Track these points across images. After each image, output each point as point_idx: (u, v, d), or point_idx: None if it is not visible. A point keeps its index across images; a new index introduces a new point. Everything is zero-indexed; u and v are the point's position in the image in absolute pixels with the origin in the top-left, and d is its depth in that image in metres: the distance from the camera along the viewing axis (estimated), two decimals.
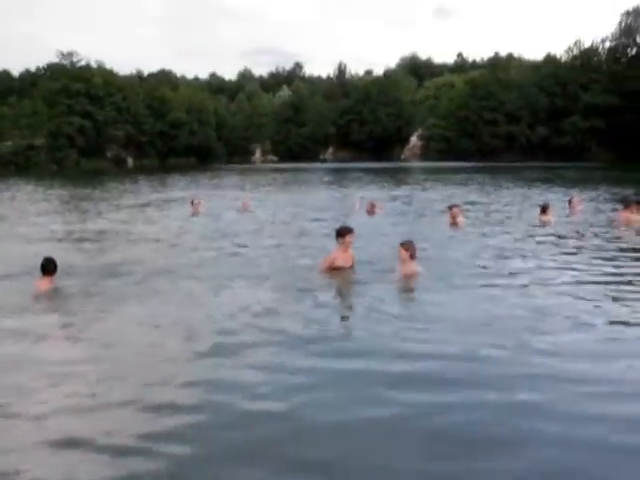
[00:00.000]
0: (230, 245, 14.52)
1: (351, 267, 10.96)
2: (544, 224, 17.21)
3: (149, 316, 8.55)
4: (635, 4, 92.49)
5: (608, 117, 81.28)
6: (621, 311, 8.32)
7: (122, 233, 17.25)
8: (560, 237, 14.87)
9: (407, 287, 10.01)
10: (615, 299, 8.91)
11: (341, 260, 10.88)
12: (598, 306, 8.52)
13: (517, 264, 11.61)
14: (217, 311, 8.59)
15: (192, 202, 22.06)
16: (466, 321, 7.86)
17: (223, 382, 6.18)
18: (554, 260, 11.93)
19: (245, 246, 14.27)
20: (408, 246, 10.42)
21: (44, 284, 9.95)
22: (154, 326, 8.14)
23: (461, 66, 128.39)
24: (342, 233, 10.87)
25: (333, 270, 10.79)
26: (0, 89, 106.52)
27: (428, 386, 5.94)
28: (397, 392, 5.77)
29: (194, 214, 21.03)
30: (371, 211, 20.70)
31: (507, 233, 15.91)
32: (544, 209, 18.19)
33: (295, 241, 15.04)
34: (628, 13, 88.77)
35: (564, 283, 9.91)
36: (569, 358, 6.58)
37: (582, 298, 8.92)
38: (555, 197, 25.78)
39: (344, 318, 8.49)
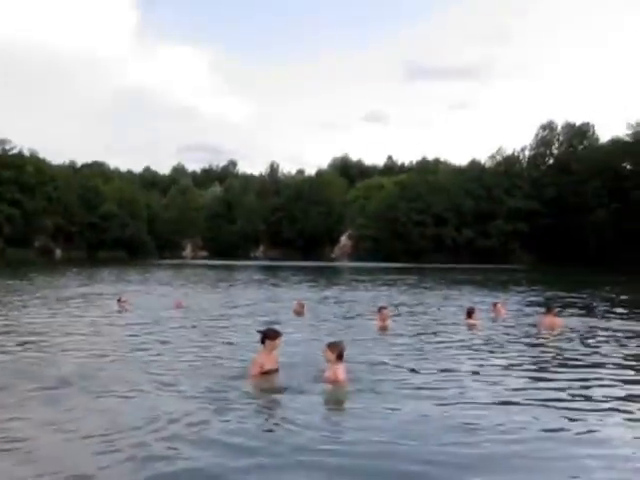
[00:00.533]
0: (155, 345, 14.27)
1: (277, 370, 10.81)
2: (470, 327, 17.62)
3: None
4: (549, 118, 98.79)
5: (530, 221, 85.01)
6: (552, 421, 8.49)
7: (43, 329, 16.78)
8: (487, 342, 15.22)
9: (333, 395, 9.88)
10: (547, 410, 9.04)
11: (269, 363, 10.75)
12: (528, 419, 8.59)
13: (445, 369, 11.68)
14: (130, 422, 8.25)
15: (119, 299, 21.77)
16: (388, 435, 7.77)
17: None
18: (482, 366, 12.14)
19: (171, 345, 14.01)
20: (334, 347, 10.35)
21: None
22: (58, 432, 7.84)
23: (391, 168, 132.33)
24: (271, 336, 10.75)
25: (262, 374, 10.63)
26: None
27: None
28: None
29: (120, 311, 20.70)
30: (300, 312, 20.80)
31: (434, 336, 16.17)
32: (469, 313, 18.65)
33: (224, 344, 14.81)
34: (543, 127, 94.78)
35: (494, 394, 9.97)
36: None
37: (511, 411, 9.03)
38: (480, 300, 26.43)
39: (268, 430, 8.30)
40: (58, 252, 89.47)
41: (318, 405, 9.28)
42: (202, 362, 12.20)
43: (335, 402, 9.59)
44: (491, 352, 13.82)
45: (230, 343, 14.44)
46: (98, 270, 51.93)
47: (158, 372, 11.13)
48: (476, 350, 14.00)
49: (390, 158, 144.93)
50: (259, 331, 11.07)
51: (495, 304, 21.21)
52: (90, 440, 7.40)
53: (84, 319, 19.11)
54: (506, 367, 12.05)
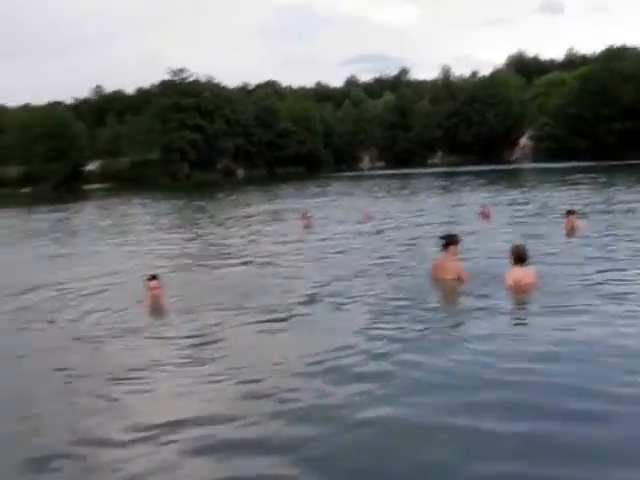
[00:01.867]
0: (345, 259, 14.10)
1: (458, 278, 10.39)
2: None
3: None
4: None
5: None
6: None
7: (233, 249, 17.21)
8: None
9: (516, 301, 9.48)
10: None
11: (446, 270, 10.46)
12: None
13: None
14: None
15: (303, 214, 21.83)
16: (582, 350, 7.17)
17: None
18: None
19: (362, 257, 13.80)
20: (516, 250, 9.98)
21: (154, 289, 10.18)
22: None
23: (571, 61, 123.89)
24: (448, 242, 10.50)
25: (439, 280, 10.47)
26: (117, 108, 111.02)
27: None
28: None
29: (306, 227, 20.77)
30: (486, 216, 20.04)
31: (626, 239, 14.70)
32: None
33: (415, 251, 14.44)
34: None
35: None
36: None
37: None
38: None
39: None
40: (240, 172, 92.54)
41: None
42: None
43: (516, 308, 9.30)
44: None
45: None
46: (279, 186, 53.09)
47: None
48: None
49: (570, 50, 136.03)
50: (441, 237, 10.77)
51: None
52: None
53: (274, 235, 19.44)
54: None
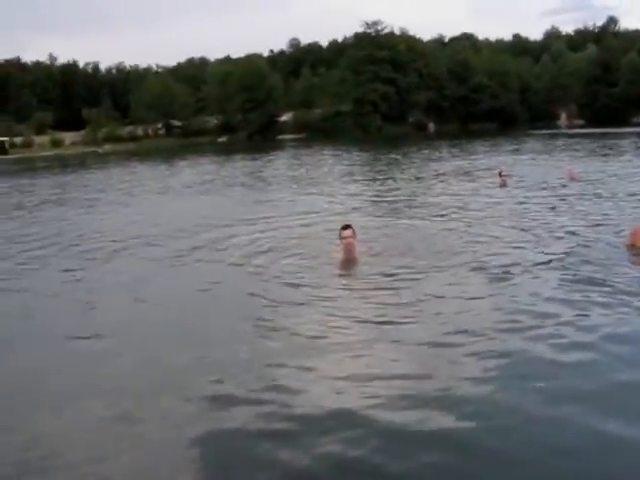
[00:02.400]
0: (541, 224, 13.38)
1: None
2: None
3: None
4: None
5: None
6: None
7: (427, 204, 17.03)
8: None
9: None
10: None
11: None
12: None
13: None
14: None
15: (500, 173, 21.16)
16: None
17: None
18: None
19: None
20: None
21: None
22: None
23: None
24: None
25: (635, 246, 9.89)
26: (311, 60, 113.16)
27: None
28: None
29: (502, 185, 20.10)
30: None
31: None
32: None
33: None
34: None
35: None
36: None
37: None
38: None
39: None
40: (431, 126, 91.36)
41: None
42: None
43: None
44: None
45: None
46: (471, 142, 51.90)
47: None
48: None
49: None
50: None
51: None
52: None
53: (468, 193, 19.03)
54: None
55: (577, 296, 7.79)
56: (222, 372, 6.17)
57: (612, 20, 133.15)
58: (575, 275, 8.73)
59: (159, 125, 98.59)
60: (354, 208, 16.71)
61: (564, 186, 19.40)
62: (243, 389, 5.73)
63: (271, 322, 7.54)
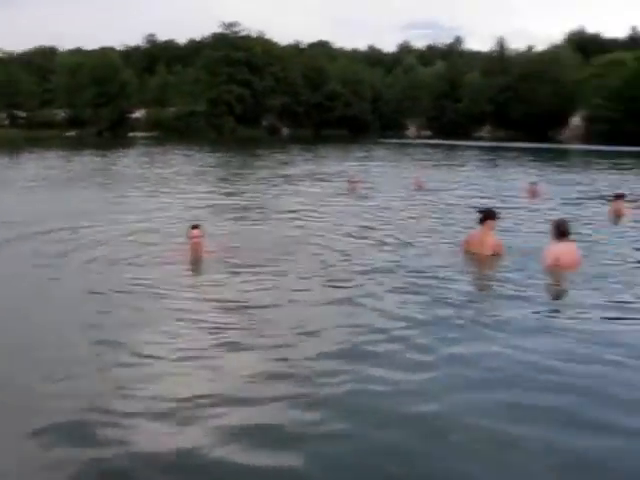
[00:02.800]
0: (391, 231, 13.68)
1: (495, 253, 10.22)
2: None
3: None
4: None
5: None
6: None
7: (277, 208, 16.97)
8: None
9: (555, 281, 9.22)
10: None
11: (483, 244, 10.24)
12: None
13: None
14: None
15: (350, 179, 21.46)
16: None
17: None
18: None
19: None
20: (557, 223, 9.68)
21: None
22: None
23: (635, 41, 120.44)
24: (486, 216, 10.27)
25: (473, 254, 10.30)
26: (167, 57, 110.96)
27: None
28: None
29: (351, 191, 20.33)
30: (534, 195, 19.66)
31: None
32: None
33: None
34: None
35: None
36: None
37: None
38: None
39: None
40: (284, 130, 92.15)
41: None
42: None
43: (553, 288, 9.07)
44: None
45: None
46: (323, 148, 52.63)
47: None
48: None
49: (634, 29, 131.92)
50: (480, 211, 10.55)
51: None
52: None
53: (318, 198, 19.13)
54: None
55: (409, 306, 7.86)
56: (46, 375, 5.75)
57: (458, 40, 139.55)
58: (407, 284, 8.81)
59: (3, 115, 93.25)
60: (203, 208, 16.38)
61: (411, 194, 20.00)
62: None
63: (102, 326, 7.18)
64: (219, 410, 5.13)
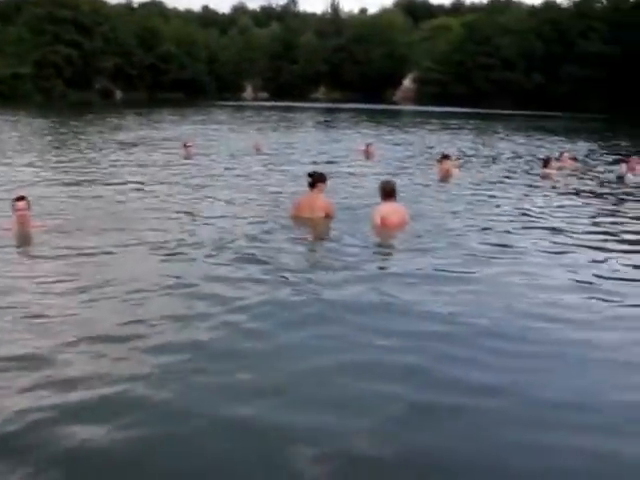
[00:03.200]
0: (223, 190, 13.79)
1: (326, 215, 10.51)
2: (545, 177, 16.80)
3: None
4: None
5: (605, 67, 79.84)
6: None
7: (108, 175, 16.42)
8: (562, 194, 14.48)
9: (383, 240, 9.72)
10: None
11: (313, 207, 10.51)
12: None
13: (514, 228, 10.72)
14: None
15: (185, 144, 21.18)
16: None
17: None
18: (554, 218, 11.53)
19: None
20: (385, 185, 10.21)
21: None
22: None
23: (458, 8, 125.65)
24: (315, 180, 10.50)
25: (303, 217, 10.49)
26: None
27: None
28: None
29: (186, 157, 20.09)
30: (370, 155, 20.37)
31: (505, 188, 15.34)
32: (546, 162, 17.73)
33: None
34: None
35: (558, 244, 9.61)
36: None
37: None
38: (552, 148, 25.36)
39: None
40: (118, 94, 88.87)
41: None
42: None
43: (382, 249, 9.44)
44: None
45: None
46: (158, 111, 51.43)
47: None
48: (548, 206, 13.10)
49: None
50: (309, 174, 10.74)
51: (561, 154, 19.82)
52: None
53: (151, 164, 18.77)
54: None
55: (240, 274, 7.78)
56: None
57: (292, 1, 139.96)
58: (239, 253, 8.67)
59: None
60: (31, 179, 15.57)
61: (249, 157, 20.07)
62: None
63: None
64: None
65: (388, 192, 10.05)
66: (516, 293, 7.27)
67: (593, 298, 7.16)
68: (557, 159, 18.65)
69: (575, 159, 19.89)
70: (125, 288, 7.20)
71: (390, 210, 9.93)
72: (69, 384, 4.92)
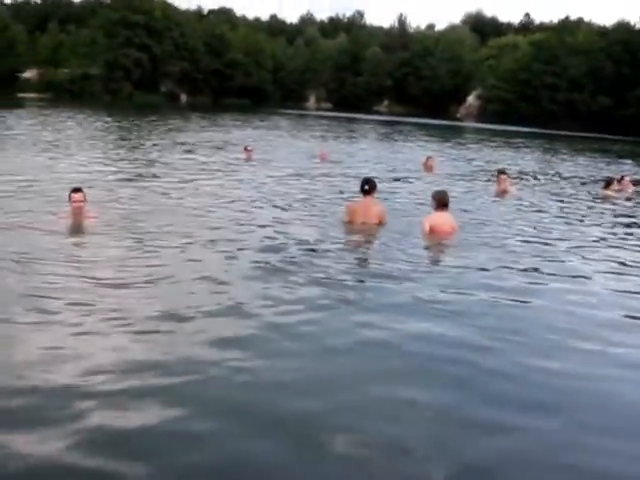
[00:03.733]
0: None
1: (379, 222, 10.53)
2: (606, 199, 16.43)
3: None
4: None
5: None
6: None
7: (168, 176, 16.50)
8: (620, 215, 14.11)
9: (431, 247, 9.84)
10: None
11: (366, 214, 10.50)
12: None
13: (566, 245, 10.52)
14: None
15: (245, 148, 21.37)
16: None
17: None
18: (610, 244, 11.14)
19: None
20: (437, 195, 10.32)
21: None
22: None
23: (527, 27, 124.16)
24: (371, 187, 10.51)
25: (354, 223, 10.49)
26: (60, 16, 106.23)
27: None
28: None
29: (247, 160, 20.31)
30: (429, 168, 20.29)
31: (563, 207, 15.07)
32: (608, 184, 17.36)
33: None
34: None
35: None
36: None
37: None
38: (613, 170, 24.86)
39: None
40: (183, 97, 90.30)
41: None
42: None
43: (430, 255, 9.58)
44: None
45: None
46: (222, 116, 51.93)
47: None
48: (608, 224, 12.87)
49: (527, 15, 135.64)
50: (365, 181, 10.66)
51: (622, 177, 19.24)
52: None
53: (212, 165, 18.94)
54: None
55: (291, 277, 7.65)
56: None
57: (359, 13, 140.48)
58: (292, 257, 8.58)
59: None
60: (91, 173, 15.85)
61: (316, 166, 20.04)
62: None
63: None
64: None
65: (439, 202, 10.14)
66: (569, 312, 7.05)
67: None
68: (619, 181, 18.18)
69: (636, 183, 19.38)
70: (168, 281, 7.27)
71: (440, 220, 10.02)
72: (116, 372, 4.93)
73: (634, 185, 18.84)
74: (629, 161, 31.59)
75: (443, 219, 10.08)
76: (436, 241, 9.83)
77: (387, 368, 5.37)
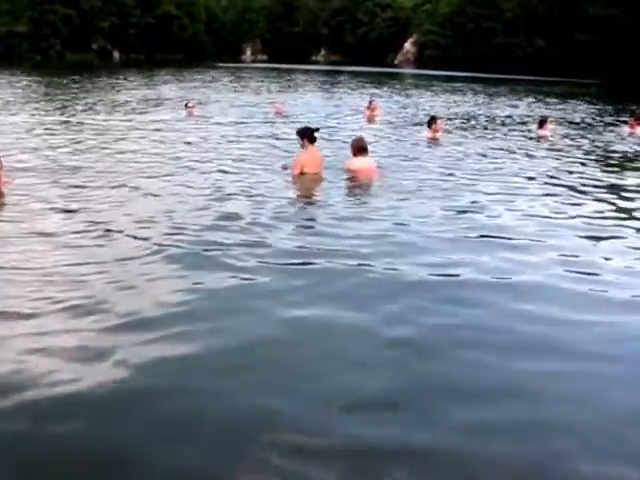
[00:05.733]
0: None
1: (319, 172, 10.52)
2: (540, 139, 16.66)
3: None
4: None
5: (609, 32, 78.45)
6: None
7: (106, 136, 15.86)
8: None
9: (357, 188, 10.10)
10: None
11: (317, 164, 10.44)
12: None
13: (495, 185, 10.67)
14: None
15: (186, 104, 20.91)
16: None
17: None
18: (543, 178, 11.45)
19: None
20: (355, 142, 10.61)
21: None
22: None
23: None
24: (312, 135, 10.37)
25: (309, 174, 10.34)
26: None
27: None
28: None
29: (188, 116, 19.83)
30: (372, 111, 20.62)
31: (491, 143, 15.52)
32: (541, 123, 17.58)
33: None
34: None
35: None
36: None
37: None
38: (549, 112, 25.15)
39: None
40: (116, 55, 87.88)
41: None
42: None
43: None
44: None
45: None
46: (158, 72, 50.67)
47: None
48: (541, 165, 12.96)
49: None
50: (308, 129, 10.54)
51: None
52: None
53: (153, 124, 18.40)
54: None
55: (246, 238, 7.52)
56: None
57: None
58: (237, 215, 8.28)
59: None
60: (17, 137, 15.12)
61: (271, 122, 19.51)
62: None
63: None
64: None
65: (357, 148, 10.51)
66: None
67: None
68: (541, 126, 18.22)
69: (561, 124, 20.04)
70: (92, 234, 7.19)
71: (361, 163, 10.45)
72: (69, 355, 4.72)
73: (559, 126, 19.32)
74: (561, 100, 32.00)
75: (364, 162, 10.43)
76: (358, 184, 10.17)
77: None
